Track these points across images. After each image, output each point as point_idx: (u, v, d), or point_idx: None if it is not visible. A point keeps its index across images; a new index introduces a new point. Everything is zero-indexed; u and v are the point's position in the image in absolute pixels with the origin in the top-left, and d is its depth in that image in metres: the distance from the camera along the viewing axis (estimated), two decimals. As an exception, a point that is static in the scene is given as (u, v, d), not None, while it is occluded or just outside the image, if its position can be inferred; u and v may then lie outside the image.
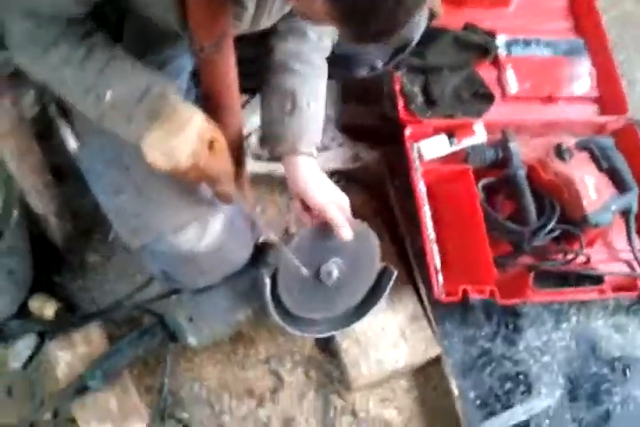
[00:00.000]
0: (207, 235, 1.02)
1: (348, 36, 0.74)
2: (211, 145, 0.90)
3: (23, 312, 1.32)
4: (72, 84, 0.87)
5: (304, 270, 1.07)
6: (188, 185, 1.00)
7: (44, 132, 1.25)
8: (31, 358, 1.31)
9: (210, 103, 0.97)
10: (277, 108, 1.07)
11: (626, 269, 1.38)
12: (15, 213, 1.19)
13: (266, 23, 0.99)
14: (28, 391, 1.29)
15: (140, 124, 0.86)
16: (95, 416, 1.18)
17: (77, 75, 0.86)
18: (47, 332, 1.31)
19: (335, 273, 1.12)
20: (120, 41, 0.96)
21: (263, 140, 1.12)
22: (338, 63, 1.18)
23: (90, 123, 0.97)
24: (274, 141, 1.08)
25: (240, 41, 0.98)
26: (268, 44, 1.09)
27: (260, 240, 1.22)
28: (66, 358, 1.22)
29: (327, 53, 1.14)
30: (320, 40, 1.10)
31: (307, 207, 1.08)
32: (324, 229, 1.08)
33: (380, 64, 1.31)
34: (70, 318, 1.31)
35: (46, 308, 1.31)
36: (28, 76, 0.95)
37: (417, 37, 1.29)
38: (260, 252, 1.18)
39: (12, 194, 1.22)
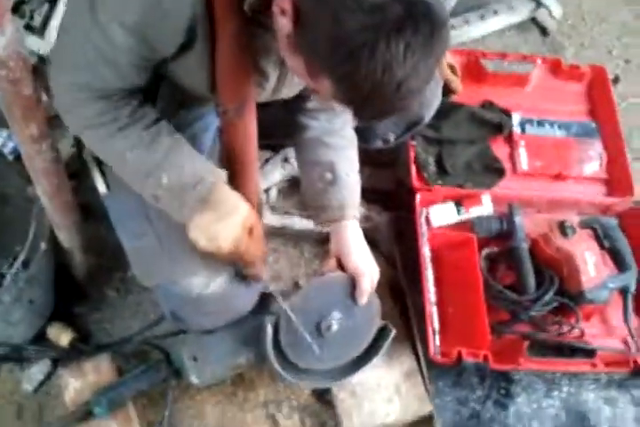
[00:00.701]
0: (215, 281, 1.09)
1: (352, 114, 0.84)
2: (250, 231, 0.99)
3: (40, 338, 1.40)
4: (133, 167, 0.97)
5: (300, 327, 1.13)
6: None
7: (78, 172, 1.36)
8: (43, 382, 1.38)
9: (230, 159, 1.06)
10: (319, 180, 1.17)
11: (620, 346, 1.41)
12: (43, 245, 1.28)
13: (287, 93, 1.09)
14: (36, 414, 1.36)
15: (192, 208, 0.96)
16: (96, 443, 1.23)
17: (140, 159, 0.96)
18: (60, 359, 1.39)
19: (335, 328, 1.18)
20: (156, 97, 1.07)
21: (308, 210, 1.23)
22: (356, 134, 1.28)
23: None
24: (320, 211, 1.18)
25: (265, 105, 1.08)
26: (302, 123, 1.20)
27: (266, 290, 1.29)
28: (75, 384, 1.28)
29: (354, 124, 1.25)
30: (347, 113, 1.19)
31: (340, 267, 1.17)
32: (333, 283, 1.16)
33: (392, 138, 1.42)
34: (83, 347, 1.39)
35: (62, 336, 1.39)
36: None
37: (429, 116, 1.39)
38: (266, 300, 1.23)
39: (42, 227, 1.30)
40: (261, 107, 1.07)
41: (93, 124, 0.95)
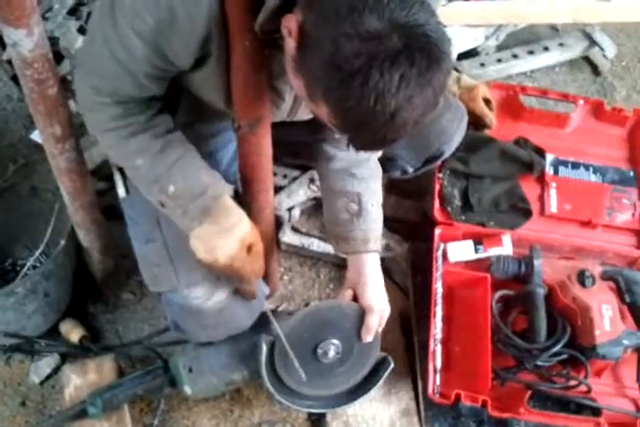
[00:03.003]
0: (215, 295, 1.11)
1: (347, 142, 0.83)
2: (249, 249, 1.01)
3: (53, 333, 1.45)
4: (142, 172, 1.01)
5: (290, 351, 1.14)
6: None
7: (111, 175, 1.40)
8: (49, 375, 1.42)
9: (243, 173, 1.09)
10: (345, 210, 1.18)
11: (630, 407, 1.35)
12: (62, 242, 1.32)
13: (303, 115, 1.10)
14: (39, 406, 1.40)
15: (194, 218, 0.98)
16: (87, 442, 1.25)
17: (149, 165, 0.99)
18: (69, 355, 1.43)
19: (331, 354, 1.18)
20: (176, 110, 1.10)
21: (329, 238, 1.24)
22: None
23: None
24: (342, 241, 1.19)
25: (293, 124, 1.11)
26: (329, 152, 1.21)
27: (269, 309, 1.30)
28: (76, 382, 1.32)
29: (379, 155, 1.25)
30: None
31: (354, 298, 1.17)
32: (339, 310, 1.16)
33: (410, 170, 1.42)
34: (91, 346, 1.42)
35: (73, 333, 1.43)
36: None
37: (449, 151, 1.39)
38: (266, 319, 1.25)
39: (62, 224, 1.35)
40: (287, 126, 1.09)
41: (108, 127, 0.98)
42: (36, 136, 1.71)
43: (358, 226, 1.17)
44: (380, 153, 1.26)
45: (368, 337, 1.17)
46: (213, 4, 0.82)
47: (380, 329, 1.20)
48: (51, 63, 0.97)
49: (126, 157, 1.01)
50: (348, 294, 1.18)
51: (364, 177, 1.20)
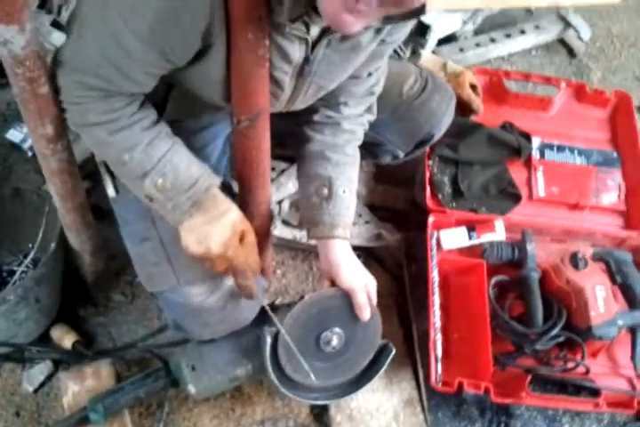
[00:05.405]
0: (217, 292, 1.09)
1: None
2: (241, 238, 1.00)
3: (44, 339, 1.40)
4: (130, 167, 0.98)
5: (296, 352, 1.13)
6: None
7: (93, 173, 1.34)
8: (43, 383, 1.38)
9: (242, 169, 1.07)
10: (315, 194, 1.16)
11: (626, 386, 1.38)
12: (53, 245, 1.28)
13: (299, 105, 1.09)
14: (34, 415, 1.36)
15: (184, 210, 0.97)
16: (90, 448, 1.23)
17: (137, 160, 0.96)
18: (62, 361, 1.39)
19: (334, 343, 1.18)
20: (165, 104, 1.07)
21: (301, 222, 1.22)
22: (366, 149, 1.29)
23: None
24: (311, 225, 1.17)
25: (280, 115, 1.08)
26: (306, 134, 1.19)
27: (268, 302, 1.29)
28: (74, 388, 1.29)
29: (359, 142, 1.23)
30: (353, 131, 1.20)
31: (334, 286, 1.16)
32: (334, 297, 1.15)
33: (401, 155, 1.42)
34: (85, 351, 1.38)
35: (66, 338, 1.39)
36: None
37: (439, 134, 1.39)
38: (266, 312, 1.23)
39: (52, 227, 1.31)
40: (276, 117, 1.07)
41: (93, 122, 0.95)
42: (11, 135, 1.65)
43: (327, 210, 1.15)
44: (361, 139, 1.24)
45: (364, 314, 1.15)
46: None
47: (375, 301, 1.18)
48: (42, 60, 0.92)
49: (113, 152, 0.98)
50: (325, 284, 1.17)
51: (338, 162, 1.17)
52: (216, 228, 0.97)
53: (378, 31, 1.00)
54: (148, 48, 0.85)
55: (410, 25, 1.07)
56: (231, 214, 0.99)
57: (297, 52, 0.94)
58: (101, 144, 0.99)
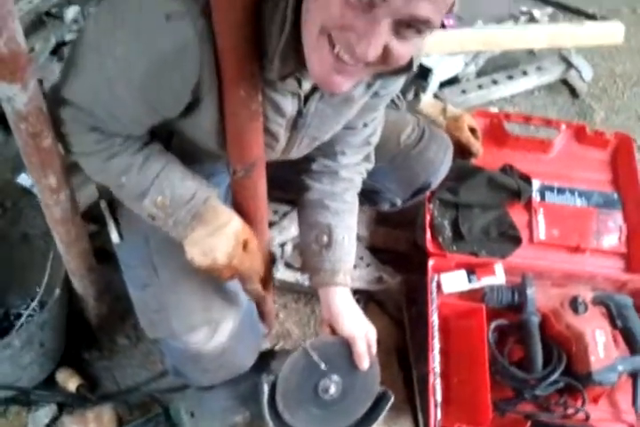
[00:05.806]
0: (215, 338, 1.10)
1: None
2: (245, 245, 1.02)
3: (49, 382, 1.42)
4: (128, 189, 1.01)
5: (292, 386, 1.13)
6: (206, 292, 1.10)
7: (99, 217, 1.39)
8: (48, 426, 1.39)
9: (240, 217, 1.08)
10: (315, 241, 1.18)
11: (628, 433, 1.38)
12: (57, 291, 1.30)
13: (295, 155, 1.11)
14: (39, 458, 1.38)
15: (185, 224, 0.99)
16: None
17: (134, 181, 0.99)
18: (66, 405, 1.41)
19: (332, 390, 1.18)
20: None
21: (303, 269, 1.24)
22: (364, 196, 1.31)
23: (131, 223, 1.12)
24: (312, 272, 1.19)
25: (279, 163, 1.10)
26: (305, 183, 1.22)
27: (266, 348, 1.30)
28: (76, 433, 1.31)
29: (358, 190, 1.26)
30: (351, 180, 1.23)
31: (334, 334, 1.17)
32: (334, 345, 1.16)
33: (399, 202, 1.44)
34: (89, 395, 1.40)
35: (70, 382, 1.41)
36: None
37: (436, 182, 1.41)
38: (265, 358, 1.25)
39: (57, 273, 1.33)
40: (274, 164, 1.09)
41: (87, 151, 0.99)
42: (22, 180, 1.70)
43: (327, 257, 1.17)
44: (359, 187, 1.26)
45: (363, 363, 1.16)
46: (205, 49, 0.80)
47: (374, 350, 1.19)
48: (45, 115, 0.96)
49: (111, 177, 1.01)
50: (326, 331, 1.18)
51: (337, 210, 1.20)
52: (220, 239, 0.98)
53: (369, 85, 1.02)
54: (138, 99, 0.88)
55: (402, 78, 1.09)
56: (232, 224, 1.01)
57: (290, 106, 0.96)
58: (98, 171, 1.02)
